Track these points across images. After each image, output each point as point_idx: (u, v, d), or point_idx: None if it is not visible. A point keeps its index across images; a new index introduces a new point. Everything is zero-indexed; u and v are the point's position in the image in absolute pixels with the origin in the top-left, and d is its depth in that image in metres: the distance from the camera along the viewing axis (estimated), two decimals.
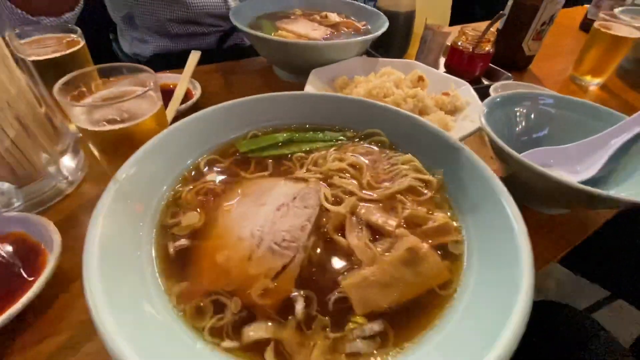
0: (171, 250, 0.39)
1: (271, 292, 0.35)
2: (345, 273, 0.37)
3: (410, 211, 0.45)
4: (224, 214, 0.43)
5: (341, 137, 0.57)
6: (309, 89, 0.77)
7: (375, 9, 1.08)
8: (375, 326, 0.33)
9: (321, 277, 0.37)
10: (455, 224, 0.44)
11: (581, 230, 0.66)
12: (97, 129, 0.49)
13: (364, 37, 0.86)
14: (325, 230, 0.41)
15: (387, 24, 0.96)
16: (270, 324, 0.33)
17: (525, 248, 0.34)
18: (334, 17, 1.07)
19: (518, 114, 0.71)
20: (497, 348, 0.27)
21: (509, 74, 1.08)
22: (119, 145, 0.53)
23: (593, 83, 1.16)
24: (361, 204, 0.45)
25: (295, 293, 0.35)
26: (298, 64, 0.91)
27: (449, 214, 0.45)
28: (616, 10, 1.24)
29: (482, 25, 1.05)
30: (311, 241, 0.40)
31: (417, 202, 0.47)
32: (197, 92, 0.87)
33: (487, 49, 1.04)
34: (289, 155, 0.53)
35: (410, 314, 0.35)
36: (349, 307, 0.35)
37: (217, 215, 0.43)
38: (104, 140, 0.53)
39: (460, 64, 1.08)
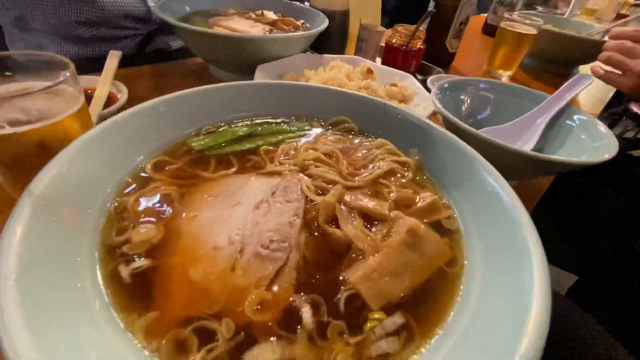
0: (125, 274, 0.29)
1: (268, 304, 0.29)
2: (349, 267, 0.33)
3: (397, 193, 0.42)
4: (189, 221, 0.35)
5: (307, 127, 0.53)
6: None
7: (311, 8, 1.07)
8: (397, 319, 0.29)
9: (323, 276, 0.32)
10: (443, 200, 0.43)
11: (530, 199, 0.72)
12: None
13: (309, 31, 0.83)
14: (316, 223, 0.36)
15: (327, 21, 0.95)
16: (276, 342, 0.27)
17: (519, 207, 0.34)
18: (271, 15, 1.03)
19: (463, 98, 0.76)
20: (534, 308, 0.25)
21: (440, 69, 1.16)
22: (29, 156, 0.41)
23: (505, 75, 1.32)
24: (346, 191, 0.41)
25: (298, 300, 0.29)
26: (239, 61, 0.84)
27: (434, 191, 0.44)
28: (514, 14, 1.44)
29: (412, 26, 1.11)
30: (303, 238, 0.34)
31: (400, 184, 0.44)
32: (122, 96, 0.74)
33: (418, 45, 1.11)
34: (256, 150, 0.46)
35: (428, 298, 0.32)
36: (362, 304, 0.30)
37: (180, 224, 0.35)
38: (6, 151, 0.39)
39: (395, 60, 1.13)
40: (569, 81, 0.76)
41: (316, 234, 0.36)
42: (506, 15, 1.22)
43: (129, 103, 0.75)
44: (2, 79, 0.42)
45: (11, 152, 0.39)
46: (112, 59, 0.78)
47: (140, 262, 0.30)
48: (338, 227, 0.36)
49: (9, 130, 0.37)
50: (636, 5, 2.35)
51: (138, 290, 0.29)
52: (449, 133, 0.47)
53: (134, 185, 0.38)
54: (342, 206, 0.39)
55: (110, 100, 0.72)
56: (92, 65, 0.81)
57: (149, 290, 0.29)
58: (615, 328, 0.60)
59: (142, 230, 0.33)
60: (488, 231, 0.36)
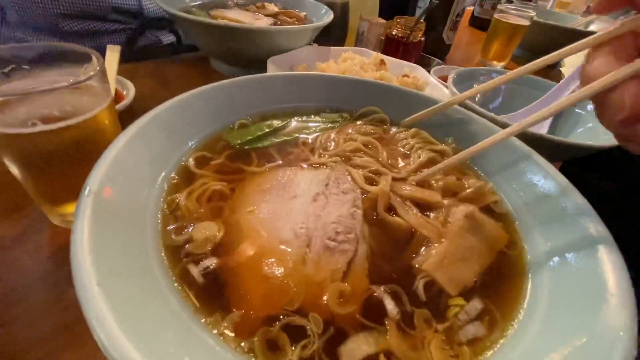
0: (195, 274, 0.28)
1: (348, 296, 0.28)
2: (417, 255, 0.32)
3: (443, 181, 0.42)
4: (247, 217, 0.33)
5: (338, 118, 0.52)
6: None
7: (312, 0, 1.05)
8: (477, 304, 0.29)
9: (393, 265, 0.32)
10: (488, 185, 0.43)
11: None
12: (25, 130, 0.33)
13: (318, 23, 0.82)
14: (375, 213, 0.36)
15: (331, 12, 0.94)
16: (367, 334, 0.26)
17: (568, 187, 0.35)
18: (272, 7, 1.01)
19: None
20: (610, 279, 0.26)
21: (439, 60, 1.17)
22: (63, 155, 0.37)
23: (499, 66, 1.35)
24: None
25: (377, 291, 0.29)
26: (244, 54, 0.81)
27: (476, 177, 0.44)
28: (503, 6, 1.47)
29: (411, 18, 1.12)
30: (366, 228, 0.34)
31: (443, 172, 0.44)
32: (129, 92, 0.70)
33: (419, 37, 1.11)
34: (294, 142, 0.45)
35: (499, 281, 0.32)
36: (439, 290, 0.30)
37: (238, 220, 0.33)
38: (38, 149, 0.36)
39: (396, 52, 1.13)
40: (574, 70, 0.79)
41: (376, 223, 0.35)
42: (499, 7, 1.25)
43: (137, 100, 0.71)
44: (22, 74, 0.39)
45: (43, 151, 0.36)
46: (113, 54, 0.74)
47: (209, 261, 0.29)
48: (398, 215, 0.36)
49: (42, 127, 0.34)
50: None
51: (212, 290, 0.27)
52: (488, 122, 0.47)
53: (181, 182, 0.36)
54: (395, 196, 0.38)
55: (115, 97, 0.68)
56: None
57: (222, 288, 0.28)
58: None
59: (202, 229, 0.31)
60: (541, 211, 0.37)
